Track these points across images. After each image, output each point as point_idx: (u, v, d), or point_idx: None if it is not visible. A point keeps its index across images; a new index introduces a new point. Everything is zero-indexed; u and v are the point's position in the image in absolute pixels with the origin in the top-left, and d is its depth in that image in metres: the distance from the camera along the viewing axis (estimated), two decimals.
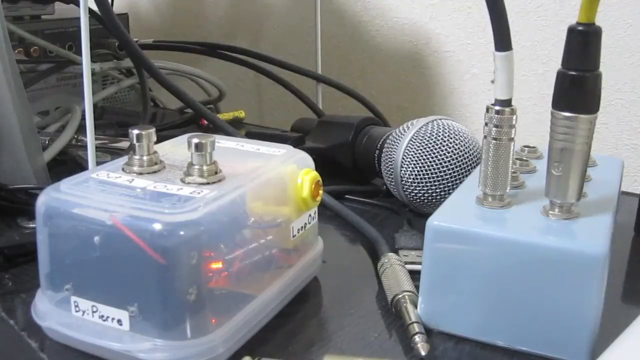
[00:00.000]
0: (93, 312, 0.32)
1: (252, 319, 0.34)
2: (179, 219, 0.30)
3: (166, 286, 0.31)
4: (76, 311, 0.33)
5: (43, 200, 0.33)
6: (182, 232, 0.30)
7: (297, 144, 0.61)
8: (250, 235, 0.34)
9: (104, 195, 0.32)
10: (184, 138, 0.36)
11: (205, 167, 0.34)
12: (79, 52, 0.72)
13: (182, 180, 0.34)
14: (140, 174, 0.35)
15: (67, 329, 0.33)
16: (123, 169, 0.35)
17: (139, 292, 0.31)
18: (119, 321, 0.32)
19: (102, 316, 0.32)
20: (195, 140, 0.34)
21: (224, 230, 0.32)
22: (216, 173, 0.34)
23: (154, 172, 0.35)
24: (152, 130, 0.35)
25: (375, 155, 0.55)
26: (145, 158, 0.35)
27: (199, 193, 0.32)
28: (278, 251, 0.37)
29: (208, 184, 0.34)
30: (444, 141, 0.49)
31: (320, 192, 0.39)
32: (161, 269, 0.30)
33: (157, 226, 0.30)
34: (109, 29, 0.62)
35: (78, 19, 0.44)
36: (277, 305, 0.37)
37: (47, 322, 0.34)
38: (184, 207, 0.31)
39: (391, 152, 0.51)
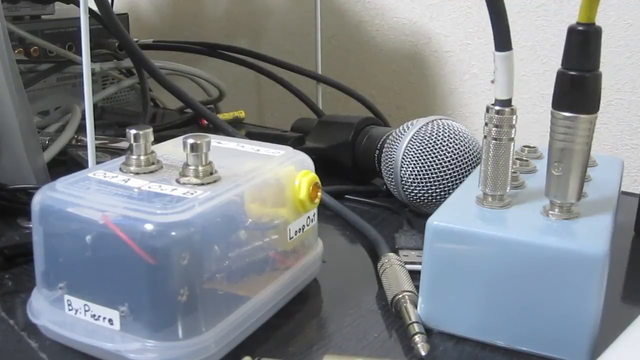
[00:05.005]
0: (85, 310, 0.32)
1: (245, 321, 0.34)
2: (170, 219, 0.30)
3: (156, 287, 0.31)
4: (69, 310, 0.33)
5: (38, 199, 0.33)
6: (173, 233, 0.30)
7: (297, 144, 0.61)
8: (246, 236, 0.34)
9: (97, 195, 0.32)
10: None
11: (200, 168, 0.34)
12: (79, 52, 0.72)
13: (177, 181, 0.34)
14: (137, 173, 0.35)
15: (59, 327, 0.33)
16: (120, 169, 0.35)
17: (130, 292, 0.31)
18: (110, 321, 0.32)
19: (94, 315, 0.32)
20: (190, 141, 0.34)
21: (217, 231, 0.32)
22: (211, 174, 0.34)
23: (151, 172, 0.35)
24: (150, 130, 0.35)
25: (375, 155, 0.55)
26: (142, 158, 0.35)
27: (192, 194, 0.32)
28: (274, 253, 0.37)
29: (203, 184, 0.33)
30: (444, 141, 0.49)
31: (319, 194, 0.39)
32: (151, 270, 0.30)
33: (148, 227, 0.30)
34: (109, 29, 0.62)
35: (78, 19, 0.44)
36: (272, 307, 0.37)
37: (40, 320, 0.34)
38: (176, 208, 0.31)
39: (391, 152, 0.51)
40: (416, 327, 0.35)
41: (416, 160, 0.49)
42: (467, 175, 0.47)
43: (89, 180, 0.34)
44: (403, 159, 0.49)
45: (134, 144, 0.35)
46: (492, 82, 0.35)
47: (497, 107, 0.35)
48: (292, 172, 0.38)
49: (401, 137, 0.50)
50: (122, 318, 0.31)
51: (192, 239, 0.31)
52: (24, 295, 0.39)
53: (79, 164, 0.58)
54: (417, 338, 0.34)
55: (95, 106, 0.63)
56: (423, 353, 0.33)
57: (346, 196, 0.56)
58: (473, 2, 0.75)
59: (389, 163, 0.51)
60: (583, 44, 0.32)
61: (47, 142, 0.60)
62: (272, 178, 0.37)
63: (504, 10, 0.33)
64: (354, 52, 0.85)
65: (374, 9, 0.82)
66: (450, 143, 0.48)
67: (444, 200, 0.39)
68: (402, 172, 0.49)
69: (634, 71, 0.67)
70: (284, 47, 0.90)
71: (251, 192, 0.35)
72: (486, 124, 0.36)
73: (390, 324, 0.38)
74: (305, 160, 0.40)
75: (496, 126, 0.35)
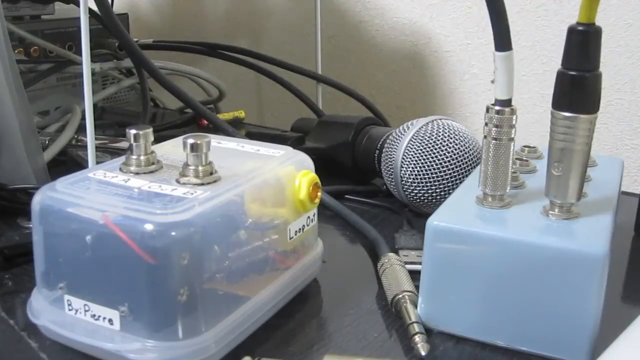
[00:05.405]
0: (85, 310, 0.32)
1: (245, 321, 0.34)
2: (170, 219, 0.30)
3: (156, 287, 0.31)
4: (69, 310, 0.33)
5: (38, 199, 0.33)
6: (173, 233, 0.30)
7: (297, 144, 0.61)
8: (246, 236, 0.34)
9: (98, 195, 0.32)
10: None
11: (200, 168, 0.34)
12: (79, 52, 0.72)
13: (177, 181, 0.34)
14: (137, 173, 0.35)
15: (59, 327, 0.33)
16: (120, 169, 0.35)
17: (130, 292, 0.31)
18: (110, 321, 0.32)
19: (94, 315, 0.32)
20: (190, 141, 0.34)
21: (217, 231, 0.32)
22: (211, 174, 0.34)
23: (151, 172, 0.35)
24: (150, 130, 0.35)
25: (375, 155, 0.55)
26: (142, 158, 0.35)
27: (192, 194, 0.32)
28: (274, 253, 0.37)
29: (203, 184, 0.33)
30: (444, 141, 0.49)
31: (319, 194, 0.39)
32: (151, 270, 0.30)
33: (148, 227, 0.30)
34: (109, 29, 0.62)
35: (78, 19, 0.44)
36: (272, 307, 0.37)
37: (41, 320, 0.34)
38: (176, 208, 0.31)
39: (391, 152, 0.51)
40: (416, 327, 0.35)
41: (416, 160, 0.49)
42: (467, 175, 0.47)
43: (89, 180, 0.34)
44: (403, 159, 0.49)
45: (134, 144, 0.35)
46: (492, 82, 0.35)
47: (497, 107, 0.35)
48: (292, 172, 0.38)
49: (401, 137, 0.50)
50: (122, 318, 0.31)
51: (192, 239, 0.31)
52: (24, 295, 0.39)
53: (79, 164, 0.58)
54: (417, 338, 0.34)
55: (95, 106, 0.63)
56: (423, 353, 0.33)
57: (346, 196, 0.56)
58: (473, 2, 0.75)
59: (389, 163, 0.51)
60: (583, 44, 0.32)
61: (47, 142, 0.60)
62: (272, 178, 0.37)
63: (504, 10, 0.33)
64: (354, 52, 0.85)
65: (374, 9, 0.82)
66: (450, 143, 0.48)
67: (444, 200, 0.39)
68: (402, 172, 0.49)
69: (634, 71, 0.67)
70: (284, 47, 0.90)
71: (251, 192, 0.35)
72: (486, 124, 0.36)
73: (390, 324, 0.38)
74: (305, 160, 0.40)
75: (496, 126, 0.35)
